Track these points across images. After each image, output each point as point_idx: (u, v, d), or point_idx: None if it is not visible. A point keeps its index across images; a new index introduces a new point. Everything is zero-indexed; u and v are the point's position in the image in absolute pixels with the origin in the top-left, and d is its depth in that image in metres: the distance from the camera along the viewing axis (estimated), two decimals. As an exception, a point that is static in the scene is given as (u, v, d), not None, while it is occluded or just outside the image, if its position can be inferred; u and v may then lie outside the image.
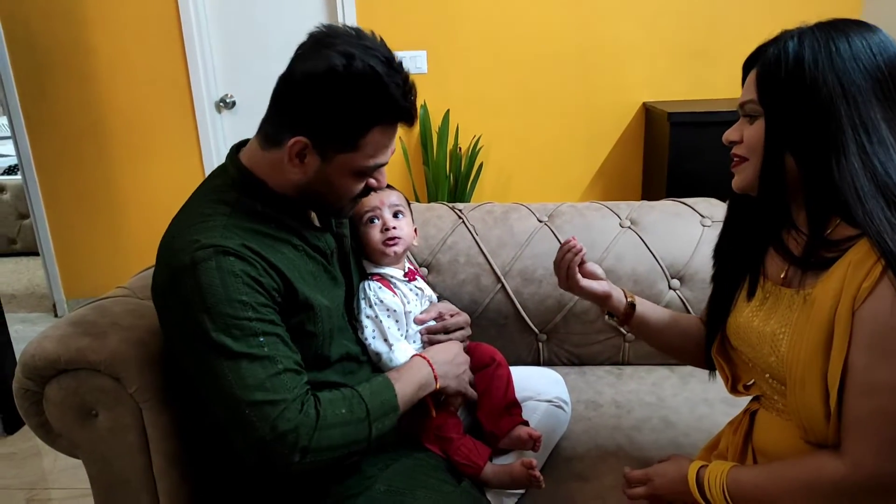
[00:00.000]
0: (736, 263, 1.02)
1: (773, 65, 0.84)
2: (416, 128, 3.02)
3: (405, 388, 1.08)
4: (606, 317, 1.19)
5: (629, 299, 1.16)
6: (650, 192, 2.96)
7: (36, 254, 3.47)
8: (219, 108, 3.10)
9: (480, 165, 3.00)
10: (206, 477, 1.13)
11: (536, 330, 1.64)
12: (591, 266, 1.15)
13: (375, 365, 1.21)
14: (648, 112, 2.94)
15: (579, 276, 1.12)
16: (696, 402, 1.46)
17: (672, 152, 2.59)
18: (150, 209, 3.15)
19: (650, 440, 1.37)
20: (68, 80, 3.04)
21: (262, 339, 0.93)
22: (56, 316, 3.37)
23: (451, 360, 1.19)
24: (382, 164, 1.04)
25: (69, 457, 1.12)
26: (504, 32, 2.92)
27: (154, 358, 1.06)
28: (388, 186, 1.26)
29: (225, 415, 0.93)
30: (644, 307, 1.17)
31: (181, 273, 0.92)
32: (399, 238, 1.25)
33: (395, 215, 1.26)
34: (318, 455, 0.94)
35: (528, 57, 2.95)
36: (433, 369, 1.13)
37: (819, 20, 0.87)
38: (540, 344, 1.66)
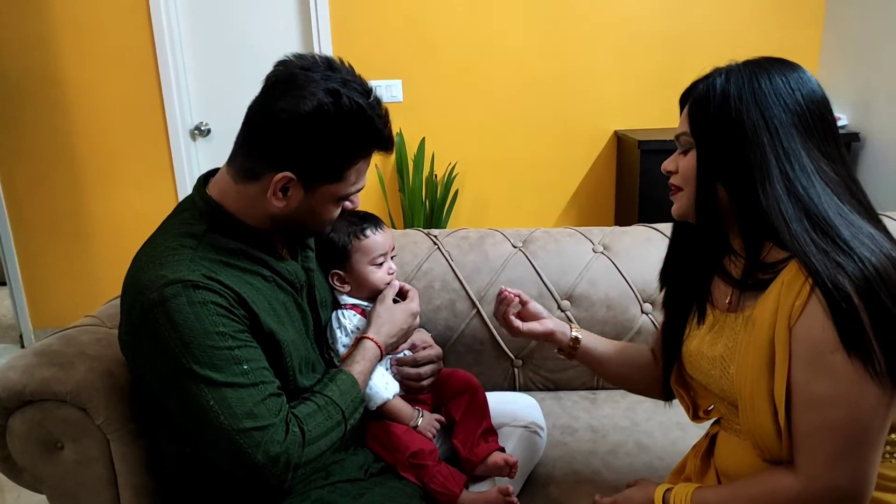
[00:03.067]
0: (683, 291, 1.06)
1: (702, 99, 0.90)
2: (392, 155, 3.05)
3: (364, 376, 1.13)
4: (556, 351, 1.23)
5: (573, 334, 1.20)
6: (622, 217, 3.01)
7: (3, 283, 3.39)
8: (193, 136, 3.09)
9: (456, 192, 3.02)
10: (175, 510, 1.10)
11: (512, 355, 1.65)
12: (533, 307, 1.21)
13: None
14: (620, 140, 3.00)
15: (518, 323, 1.18)
16: (669, 425, 1.48)
17: (642, 179, 2.65)
18: (121, 238, 3.11)
19: (625, 464, 1.37)
20: (40, 108, 3.01)
21: (245, 367, 0.93)
22: (23, 347, 3.29)
23: (395, 333, 1.20)
24: (361, 188, 1.06)
25: (33, 492, 1.09)
26: (479, 61, 2.98)
27: (122, 388, 1.04)
28: (375, 218, 1.28)
29: (215, 445, 0.93)
30: (589, 341, 1.21)
31: (151, 310, 0.91)
32: (395, 278, 1.28)
33: (392, 257, 1.29)
34: (308, 466, 0.98)
35: (502, 85, 3.01)
36: (380, 347, 1.16)
37: (774, 55, 0.92)
38: (515, 369, 1.67)
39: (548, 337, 1.19)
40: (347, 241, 1.23)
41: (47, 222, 3.13)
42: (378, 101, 0.99)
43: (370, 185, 3.04)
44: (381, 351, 1.15)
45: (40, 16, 2.90)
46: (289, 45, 2.98)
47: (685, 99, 0.96)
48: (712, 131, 0.90)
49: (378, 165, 3.04)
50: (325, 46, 2.92)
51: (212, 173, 1.06)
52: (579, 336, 1.20)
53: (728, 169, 0.89)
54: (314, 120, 0.93)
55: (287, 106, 0.93)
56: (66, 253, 3.18)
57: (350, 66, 1.00)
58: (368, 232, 1.23)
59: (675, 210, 0.98)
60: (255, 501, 1.03)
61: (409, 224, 2.97)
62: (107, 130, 3.03)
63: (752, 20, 2.90)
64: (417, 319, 1.24)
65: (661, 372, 1.13)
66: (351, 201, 1.07)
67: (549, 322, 1.20)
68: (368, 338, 1.15)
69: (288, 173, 0.96)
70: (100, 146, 3.05)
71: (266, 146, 0.96)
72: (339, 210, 1.06)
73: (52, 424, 1.02)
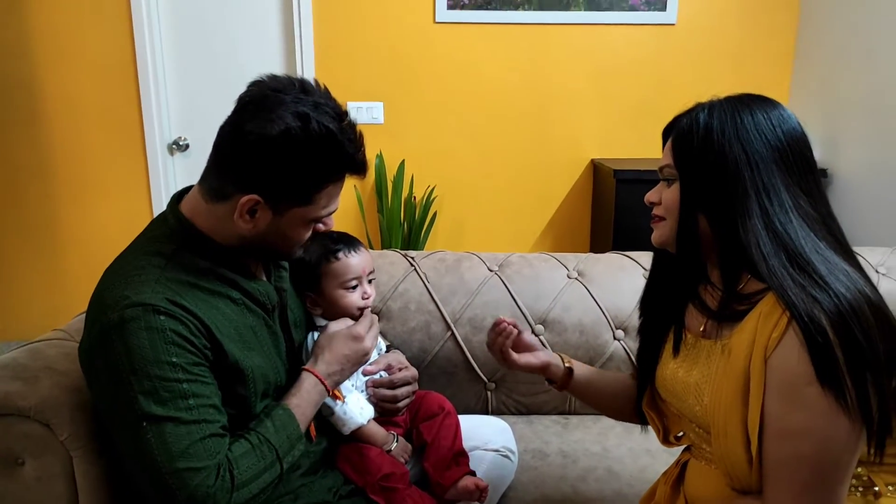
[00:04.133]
0: (660, 317, 1.07)
1: (686, 133, 0.92)
2: (371, 176, 3.06)
3: (305, 412, 1.07)
4: (546, 383, 1.22)
5: (567, 365, 1.20)
6: (597, 244, 3.05)
7: (-33, 294, 3.30)
8: (171, 151, 3.07)
9: (434, 214, 3.04)
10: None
11: (485, 378, 1.65)
12: (528, 338, 1.20)
13: (321, 418, 1.20)
14: (596, 168, 3.05)
15: (515, 355, 1.16)
16: (639, 452, 1.48)
17: (617, 207, 2.69)
18: (94, 251, 3.06)
19: (595, 490, 1.38)
20: (15, 116, 2.96)
21: (191, 402, 0.91)
22: (-15, 360, 3.19)
23: (337, 360, 1.13)
24: (334, 211, 1.05)
25: (-10, 510, 1.06)
26: (459, 86, 3.02)
27: (87, 405, 1.02)
28: (351, 239, 1.27)
29: (144, 478, 0.91)
30: (581, 372, 1.21)
31: (109, 332, 0.90)
32: (370, 303, 1.25)
33: (370, 281, 1.27)
34: None
35: (482, 111, 3.05)
36: (323, 383, 1.10)
37: (745, 90, 0.95)
38: (489, 393, 1.67)
39: (543, 369, 1.18)
40: (318, 263, 1.21)
41: (19, 233, 3.08)
42: (351, 125, 0.98)
43: (348, 205, 3.04)
44: (320, 381, 1.10)
45: (19, 24, 2.87)
46: (272, 64, 3.00)
47: (668, 132, 0.98)
48: (695, 164, 0.91)
49: (357, 186, 3.05)
50: (307, 67, 2.94)
51: (186, 190, 1.06)
52: (573, 368, 1.19)
53: (710, 201, 0.90)
54: (281, 144, 0.92)
55: (255, 128, 0.92)
56: (38, 265, 3.11)
57: (325, 88, 1.00)
58: (341, 254, 1.22)
59: (655, 238, 1.00)
60: None
61: (386, 245, 2.97)
62: (83, 142, 3.00)
63: (725, 54, 2.99)
64: (368, 342, 1.16)
65: (636, 395, 1.14)
66: (323, 223, 1.06)
67: (543, 354, 1.19)
68: (307, 369, 1.11)
69: (255, 196, 0.95)
70: (75, 157, 3.01)
71: (234, 167, 0.96)
72: (309, 232, 1.05)
73: (14, 440, 0.99)
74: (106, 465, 1.04)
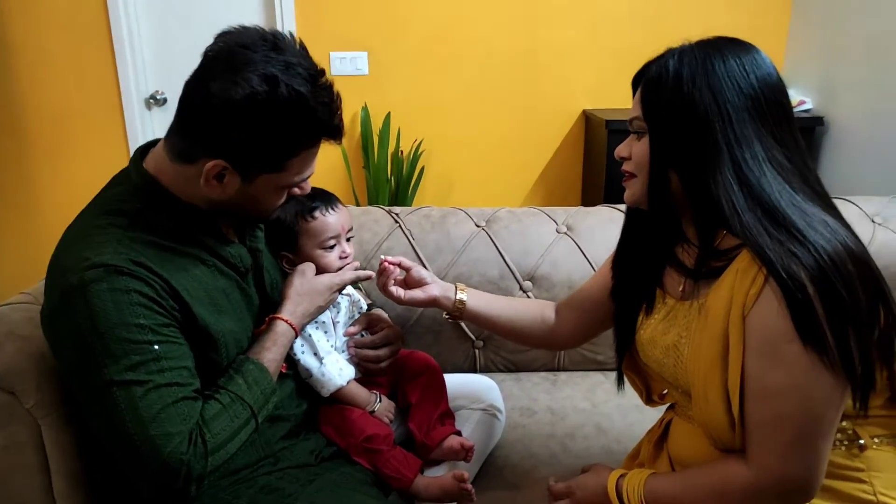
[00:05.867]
0: (636, 279, 1.04)
1: (654, 82, 0.87)
2: (356, 130, 2.97)
3: (277, 362, 1.04)
4: (444, 315, 1.21)
5: (458, 296, 1.18)
6: (589, 198, 3.00)
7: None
8: (148, 105, 2.96)
9: (422, 169, 2.96)
10: (111, 498, 1.05)
11: (472, 336, 1.62)
12: (416, 273, 1.19)
13: (303, 381, 1.16)
14: (588, 119, 2.98)
15: (400, 291, 1.16)
16: (628, 408, 1.47)
17: (609, 159, 2.62)
18: (68, 211, 2.81)
19: (583, 447, 1.36)
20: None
21: (163, 364, 0.87)
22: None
23: (312, 312, 1.11)
24: (309, 177, 1.00)
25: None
26: (447, 35, 2.91)
27: (54, 371, 0.98)
28: (328, 196, 1.21)
29: (115, 446, 0.87)
30: (476, 302, 1.19)
31: (70, 295, 0.85)
32: (348, 262, 1.21)
33: (348, 239, 1.22)
34: (215, 473, 0.91)
35: (471, 60, 2.94)
36: (296, 332, 1.08)
37: (741, 35, 0.89)
38: (476, 351, 1.64)
39: (431, 303, 1.18)
40: (294, 222, 1.16)
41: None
42: (326, 87, 0.91)
43: (333, 161, 2.96)
44: (295, 333, 1.08)
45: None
46: (250, 13, 2.87)
47: (637, 81, 0.93)
48: (665, 115, 0.86)
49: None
50: (287, 16, 2.82)
51: (151, 145, 0.99)
52: (464, 298, 1.18)
53: (680, 155, 0.86)
54: (246, 109, 0.85)
55: (219, 90, 0.85)
56: (10, 225, 3.03)
57: (301, 44, 0.93)
58: (317, 213, 1.16)
59: (627, 197, 0.96)
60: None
61: (373, 201, 2.91)
62: (57, 98, 2.88)
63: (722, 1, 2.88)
64: (336, 278, 1.14)
65: (616, 359, 1.12)
66: (300, 188, 1.00)
67: (433, 287, 1.18)
68: (281, 318, 1.06)
69: (221, 161, 0.89)
70: (48, 114, 2.90)
71: (198, 130, 0.89)
72: (283, 198, 1.00)
73: (-22, 409, 0.95)
74: (77, 433, 1.00)
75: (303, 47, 0.92)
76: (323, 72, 0.92)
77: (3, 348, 0.96)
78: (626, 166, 0.95)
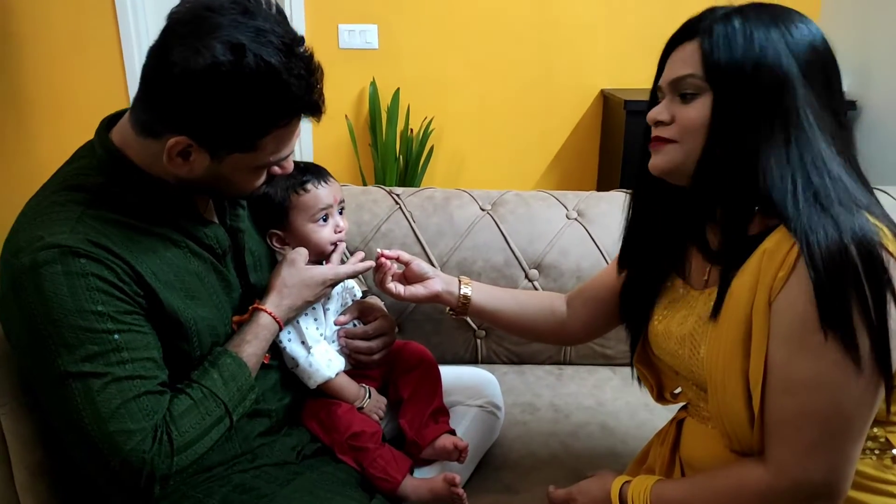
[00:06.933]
0: (650, 264, 0.97)
1: (722, 38, 0.78)
2: (365, 106, 2.87)
3: (258, 357, 0.96)
4: (447, 311, 1.14)
5: (463, 291, 1.10)
6: (605, 182, 2.89)
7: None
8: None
9: (431, 149, 2.87)
10: (77, 489, 0.98)
11: (474, 326, 1.54)
12: (417, 267, 1.11)
13: (287, 372, 1.09)
14: (606, 99, 2.86)
15: (399, 288, 1.09)
16: (636, 406, 1.38)
17: (627, 142, 2.51)
18: None
19: (586, 448, 1.28)
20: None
21: (124, 355, 0.80)
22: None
23: (300, 307, 1.03)
24: (287, 156, 0.91)
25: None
26: (460, 8, 2.79)
27: (12, 358, 0.91)
28: (318, 169, 1.13)
29: (72, 442, 0.81)
30: (481, 297, 1.11)
31: (21, 277, 0.78)
32: (343, 237, 1.13)
33: (341, 212, 1.14)
34: (181, 474, 0.84)
35: (484, 35, 2.83)
36: (276, 320, 0.99)
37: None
38: (478, 341, 1.56)
39: (434, 298, 1.10)
40: (285, 196, 1.08)
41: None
42: (303, 57, 0.81)
43: (339, 138, 2.87)
44: (279, 327, 0.99)
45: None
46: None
47: (683, 37, 0.83)
48: (737, 77, 0.77)
49: (349, 116, 2.87)
50: (295, -15, 2.71)
51: (119, 115, 0.91)
52: (468, 293, 1.10)
53: (752, 122, 0.77)
54: (208, 81, 0.76)
55: (180, 59, 0.76)
56: (11, 197, 2.97)
57: (277, 7, 0.83)
58: (309, 186, 1.09)
59: (660, 164, 0.85)
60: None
61: (380, 181, 2.82)
62: (59, 71, 2.81)
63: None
64: (328, 272, 1.05)
65: (630, 350, 1.04)
66: (281, 167, 0.91)
67: (435, 283, 1.10)
68: (264, 310, 0.98)
69: (184, 138, 0.80)
70: (51, 87, 2.83)
71: (160, 103, 0.80)
72: (262, 178, 0.91)
73: (-68, 397, 0.89)
74: (39, 423, 0.94)
75: (280, 11, 0.83)
76: (301, 39, 0.82)
77: (-42, 332, 0.90)
78: (663, 132, 0.83)
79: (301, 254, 1.05)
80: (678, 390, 1.01)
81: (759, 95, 0.77)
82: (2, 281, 0.82)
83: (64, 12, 2.75)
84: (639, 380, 1.07)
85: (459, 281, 1.12)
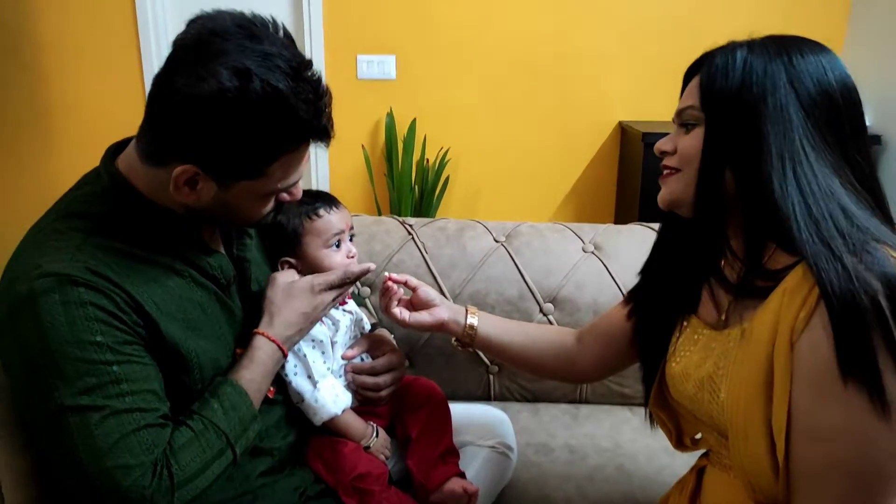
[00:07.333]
0: (666, 301, 0.94)
1: (719, 69, 0.79)
2: (381, 137, 2.87)
3: (260, 385, 0.92)
4: (453, 341, 1.11)
5: (469, 321, 1.08)
6: (623, 215, 2.85)
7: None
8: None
9: (447, 179, 2.85)
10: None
11: (487, 361, 1.50)
12: (423, 293, 1.09)
13: (293, 405, 1.05)
14: (624, 131, 2.83)
15: (405, 314, 1.07)
16: (656, 450, 1.32)
17: (645, 174, 2.48)
18: None
19: (602, 492, 1.23)
20: (13, 69, 2.84)
21: (123, 387, 0.78)
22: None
23: (295, 321, 0.97)
24: (295, 183, 0.89)
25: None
26: (478, 39, 2.80)
27: (7, 389, 0.88)
28: (328, 196, 1.11)
29: (69, 477, 0.78)
30: (488, 328, 1.09)
31: (18, 308, 0.76)
32: (355, 262, 1.11)
33: (351, 238, 1.13)
34: None
35: (501, 67, 2.83)
36: (281, 348, 0.95)
37: None
38: (491, 377, 1.51)
39: (439, 327, 1.08)
40: (298, 222, 1.07)
41: (14, 189, 2.97)
42: (311, 81, 0.79)
43: (356, 168, 2.87)
44: (277, 346, 0.95)
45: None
46: (277, 11, 2.79)
47: (694, 71, 0.84)
48: (728, 105, 0.78)
49: (365, 146, 2.87)
50: (315, 17, 2.75)
51: (124, 143, 0.90)
52: (475, 323, 1.08)
53: (742, 150, 0.77)
54: (214, 108, 0.74)
55: (184, 86, 0.74)
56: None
57: (284, 30, 0.81)
58: (322, 211, 1.08)
59: (665, 196, 0.86)
60: None
61: (395, 211, 2.81)
62: (83, 97, 2.87)
63: (771, 5, 2.71)
64: (327, 295, 0.99)
65: (644, 393, 1.00)
66: (290, 193, 0.89)
67: (441, 310, 1.08)
68: (258, 332, 0.94)
69: (191, 166, 0.79)
70: (75, 113, 2.89)
71: (165, 131, 0.79)
72: (270, 205, 0.89)
73: (-73, 428, 0.86)
74: (35, 459, 0.90)
75: (287, 35, 0.81)
76: (309, 63, 0.81)
77: (-45, 361, 0.87)
78: (669, 161, 0.85)
79: (283, 273, 1.02)
80: (698, 436, 0.96)
81: (749, 124, 0.76)
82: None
83: (88, 40, 2.82)
84: (653, 421, 1.02)
85: (466, 310, 1.09)
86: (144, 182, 0.85)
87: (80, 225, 0.82)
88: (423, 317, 1.07)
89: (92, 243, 0.81)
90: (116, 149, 0.90)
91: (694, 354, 0.88)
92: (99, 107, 2.88)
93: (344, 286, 1.01)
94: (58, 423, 0.76)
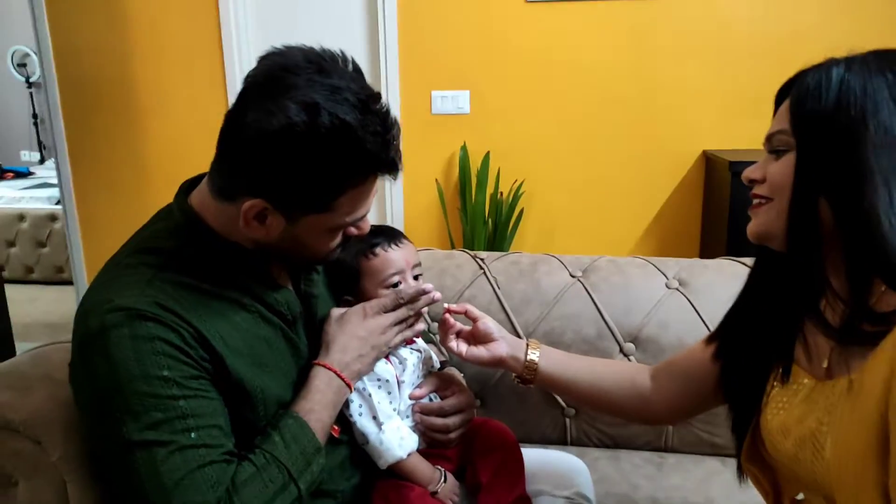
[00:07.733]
0: (759, 346, 0.85)
1: (811, 89, 0.73)
2: (455, 171, 2.87)
3: (321, 416, 0.89)
4: (513, 378, 1.06)
5: (530, 357, 1.03)
6: (709, 249, 2.70)
7: (70, 283, 3.46)
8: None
9: (521, 212, 2.80)
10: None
11: (563, 403, 1.42)
12: (483, 325, 1.04)
13: (357, 448, 1.02)
14: (709, 161, 2.71)
15: (462, 347, 1.03)
16: (753, 508, 1.19)
17: (732, 206, 2.34)
18: None
19: (693, 555, 1.11)
20: (112, 112, 3.06)
21: (189, 423, 0.77)
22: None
23: (353, 347, 0.95)
24: (363, 217, 0.88)
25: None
26: (552, 73, 2.77)
27: (80, 422, 0.89)
28: (392, 231, 1.09)
29: None
30: (550, 365, 1.03)
31: (89, 341, 0.77)
32: None
33: (416, 277, 1.10)
34: None
35: (578, 98, 2.78)
36: (339, 376, 0.92)
37: None
38: (567, 420, 1.43)
39: (497, 363, 1.03)
40: (355, 261, 1.05)
41: (116, 226, 3.16)
42: (379, 113, 0.79)
43: (430, 202, 2.87)
44: (335, 374, 0.92)
45: (114, 22, 2.95)
46: (354, 49, 2.83)
47: (785, 93, 0.78)
48: (821, 129, 0.72)
49: (439, 180, 2.87)
50: (391, 53, 2.80)
51: (197, 179, 0.91)
52: (535, 359, 1.02)
53: (838, 178, 0.71)
54: (283, 142, 0.75)
55: (254, 121, 0.75)
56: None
57: (353, 64, 0.81)
58: (378, 250, 1.05)
59: (754, 228, 0.80)
60: None
61: (469, 245, 2.78)
62: (177, 136, 3.04)
63: (869, 29, 2.53)
64: (387, 318, 0.97)
65: (735, 448, 0.91)
66: (357, 228, 0.89)
67: (500, 345, 1.02)
68: (317, 363, 0.93)
69: (260, 201, 0.79)
70: (169, 152, 3.06)
71: (235, 166, 0.80)
72: (337, 240, 0.88)
73: (5, 457, 0.88)
74: (104, 493, 0.91)
75: (356, 68, 0.81)
76: (378, 96, 0.80)
77: (34, 393, 0.90)
78: (758, 189, 0.80)
79: (340, 309, 1.01)
80: (800, 496, 0.85)
81: (846, 149, 0.70)
82: (72, 345, 0.82)
83: (179, 85, 3.00)
84: (743, 475, 0.92)
85: (527, 345, 1.03)
86: (215, 217, 0.85)
87: (152, 260, 0.83)
88: (480, 352, 1.03)
89: (161, 278, 0.81)
90: (190, 185, 0.91)
91: (794, 408, 0.79)
92: (191, 155, 3.04)
93: (399, 308, 0.98)
94: (125, 459, 0.76)
